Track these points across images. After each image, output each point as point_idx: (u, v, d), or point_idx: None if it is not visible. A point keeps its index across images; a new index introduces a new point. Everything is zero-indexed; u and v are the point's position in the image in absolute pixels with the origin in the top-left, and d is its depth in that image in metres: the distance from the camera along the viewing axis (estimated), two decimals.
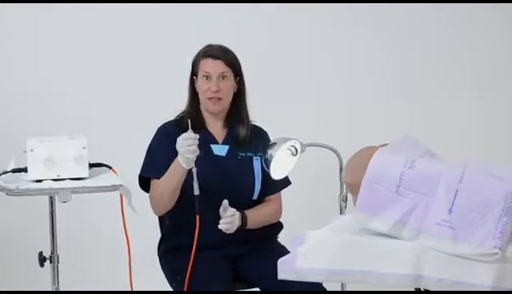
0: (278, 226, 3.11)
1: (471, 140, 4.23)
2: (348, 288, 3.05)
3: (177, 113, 3.03)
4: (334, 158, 2.98)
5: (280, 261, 2.25)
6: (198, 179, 2.78)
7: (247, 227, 2.93)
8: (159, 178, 2.88)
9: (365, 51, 4.19)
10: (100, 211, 3.66)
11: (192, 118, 2.89)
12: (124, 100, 3.93)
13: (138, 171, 2.98)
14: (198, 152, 2.76)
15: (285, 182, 3.06)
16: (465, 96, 4.30)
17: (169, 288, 3.00)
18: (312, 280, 2.24)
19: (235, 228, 2.87)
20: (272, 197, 3.06)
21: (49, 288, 2.75)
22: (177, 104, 3.03)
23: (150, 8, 3.92)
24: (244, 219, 2.92)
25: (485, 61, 4.31)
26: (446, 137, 4.07)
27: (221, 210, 2.84)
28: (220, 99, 2.95)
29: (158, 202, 2.91)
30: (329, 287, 2.78)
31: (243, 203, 2.94)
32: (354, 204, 2.29)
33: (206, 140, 2.93)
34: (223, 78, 2.95)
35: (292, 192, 3.12)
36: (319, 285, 2.73)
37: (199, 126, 2.92)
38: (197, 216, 2.78)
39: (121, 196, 2.65)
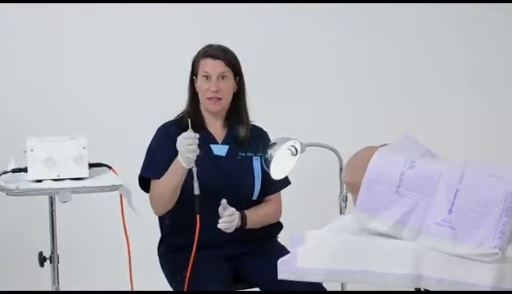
0: (278, 226, 3.11)
1: (471, 140, 4.23)
2: (348, 288, 3.05)
3: (177, 113, 3.03)
4: (334, 158, 2.98)
5: (280, 261, 2.25)
6: (198, 179, 2.78)
7: (247, 227, 2.93)
8: (159, 178, 2.88)
9: (365, 51, 4.19)
10: (100, 211, 3.65)
11: (192, 117, 2.89)
12: (124, 100, 3.93)
13: (138, 171, 2.98)
14: (198, 151, 2.76)
15: (285, 182, 3.06)
16: (465, 96, 4.30)
17: (169, 288, 3.00)
18: (312, 280, 2.24)
19: (234, 227, 2.87)
20: (272, 197, 3.06)
21: (49, 288, 2.75)
22: (177, 104, 3.03)
23: (150, 8, 3.92)
24: (243, 218, 2.92)
25: (485, 61, 4.31)
26: (446, 137, 4.07)
27: (220, 209, 2.84)
28: (220, 99, 2.95)
29: (158, 202, 2.91)
30: (329, 287, 2.78)
31: (243, 203, 2.94)
32: (354, 204, 2.29)
33: (206, 139, 2.93)
34: (223, 78, 2.95)
35: (292, 192, 3.12)
36: (319, 285, 2.73)
37: (199, 126, 2.92)
38: (197, 216, 2.78)
39: (121, 196, 2.65)
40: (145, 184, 2.97)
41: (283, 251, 2.73)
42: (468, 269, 2.11)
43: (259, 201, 3.03)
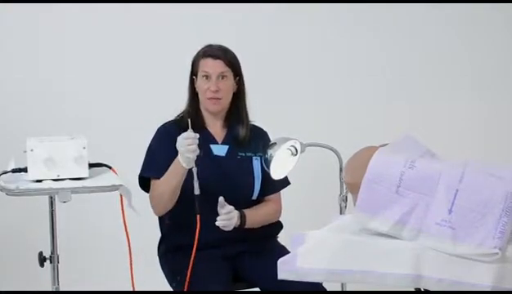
0: (278, 226, 3.11)
1: (471, 140, 4.23)
2: (348, 288, 3.05)
3: (177, 113, 3.03)
4: (334, 158, 2.98)
5: (280, 261, 2.25)
6: (198, 179, 2.78)
7: (246, 226, 2.93)
8: (159, 178, 2.88)
9: (365, 51, 4.19)
10: (100, 211, 3.65)
11: (192, 117, 2.89)
12: (124, 100, 3.93)
13: (138, 171, 2.98)
14: (198, 151, 2.76)
15: (285, 182, 3.06)
16: (465, 96, 4.30)
17: (169, 288, 3.00)
18: (312, 280, 2.24)
19: (232, 225, 2.87)
20: (272, 197, 3.06)
21: (49, 288, 2.74)
22: (177, 104, 3.03)
23: (150, 8, 3.92)
24: (243, 218, 2.91)
25: (485, 61, 4.31)
26: (446, 137, 4.07)
27: (218, 207, 2.84)
28: (219, 99, 2.95)
29: (158, 202, 2.91)
30: (329, 287, 2.78)
31: (242, 203, 2.94)
32: (354, 204, 2.29)
33: (206, 140, 2.93)
34: (223, 78, 2.95)
35: (292, 192, 3.12)
36: (319, 285, 2.73)
37: (199, 126, 2.92)
38: (198, 216, 2.78)
39: (121, 196, 2.65)
40: (145, 184, 2.97)
41: (283, 251, 2.73)
42: (468, 269, 2.11)
43: (259, 201, 3.03)
